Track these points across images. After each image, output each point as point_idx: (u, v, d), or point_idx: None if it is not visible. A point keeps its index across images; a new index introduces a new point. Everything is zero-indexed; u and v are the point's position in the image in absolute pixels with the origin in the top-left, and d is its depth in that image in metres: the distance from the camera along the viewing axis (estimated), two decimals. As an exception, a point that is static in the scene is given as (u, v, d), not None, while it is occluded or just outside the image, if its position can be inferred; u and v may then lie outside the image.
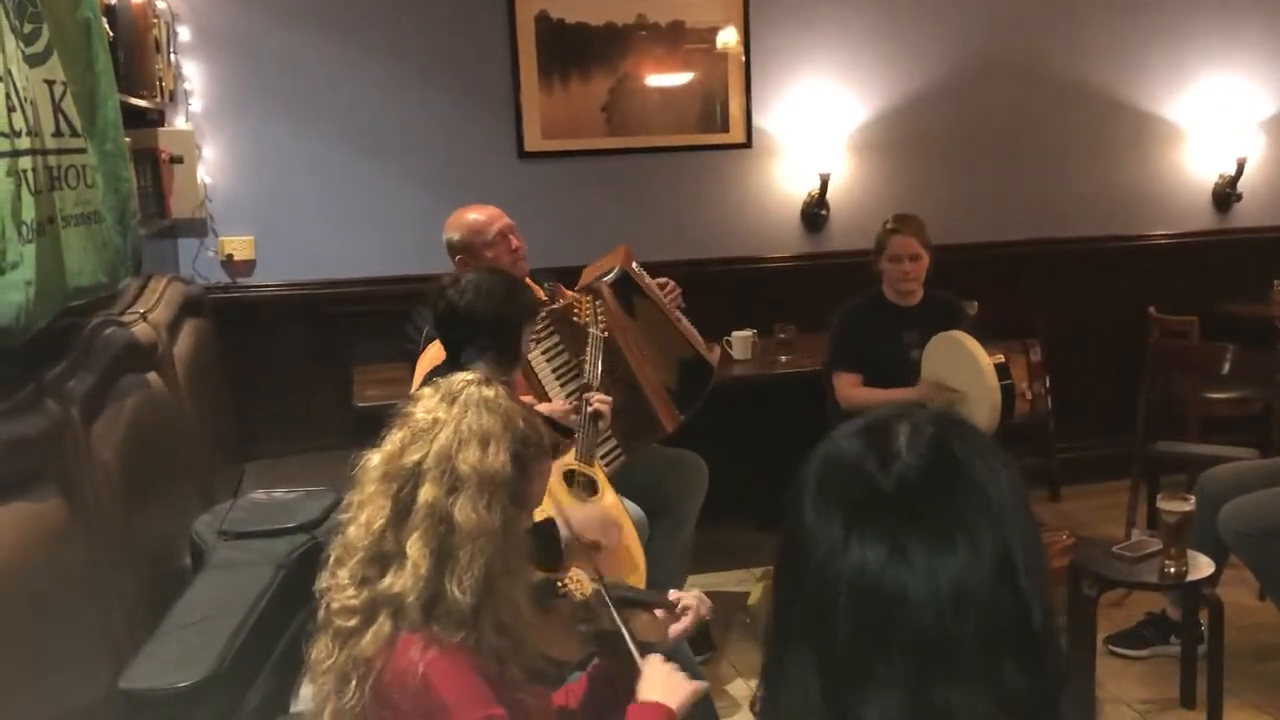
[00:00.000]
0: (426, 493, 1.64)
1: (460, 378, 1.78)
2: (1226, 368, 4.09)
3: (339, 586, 1.68)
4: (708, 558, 3.78)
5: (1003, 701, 0.83)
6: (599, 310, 3.21)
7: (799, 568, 0.89)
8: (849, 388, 3.77)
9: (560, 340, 3.24)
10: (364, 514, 1.68)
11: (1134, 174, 5.23)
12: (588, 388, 3.03)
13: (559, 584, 1.83)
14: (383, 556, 1.66)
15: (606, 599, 1.81)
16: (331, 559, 1.72)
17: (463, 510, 1.63)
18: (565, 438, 2.87)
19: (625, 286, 3.37)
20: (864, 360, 3.79)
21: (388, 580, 1.63)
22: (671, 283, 3.60)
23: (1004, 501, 0.87)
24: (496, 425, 1.68)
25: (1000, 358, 3.58)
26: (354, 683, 1.61)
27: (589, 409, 2.94)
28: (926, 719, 0.83)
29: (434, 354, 3.02)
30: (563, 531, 2.35)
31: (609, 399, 3.02)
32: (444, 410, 1.69)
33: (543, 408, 2.85)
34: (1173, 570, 2.90)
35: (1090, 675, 2.99)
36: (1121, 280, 5.13)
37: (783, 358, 4.34)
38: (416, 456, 1.66)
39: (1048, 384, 4.85)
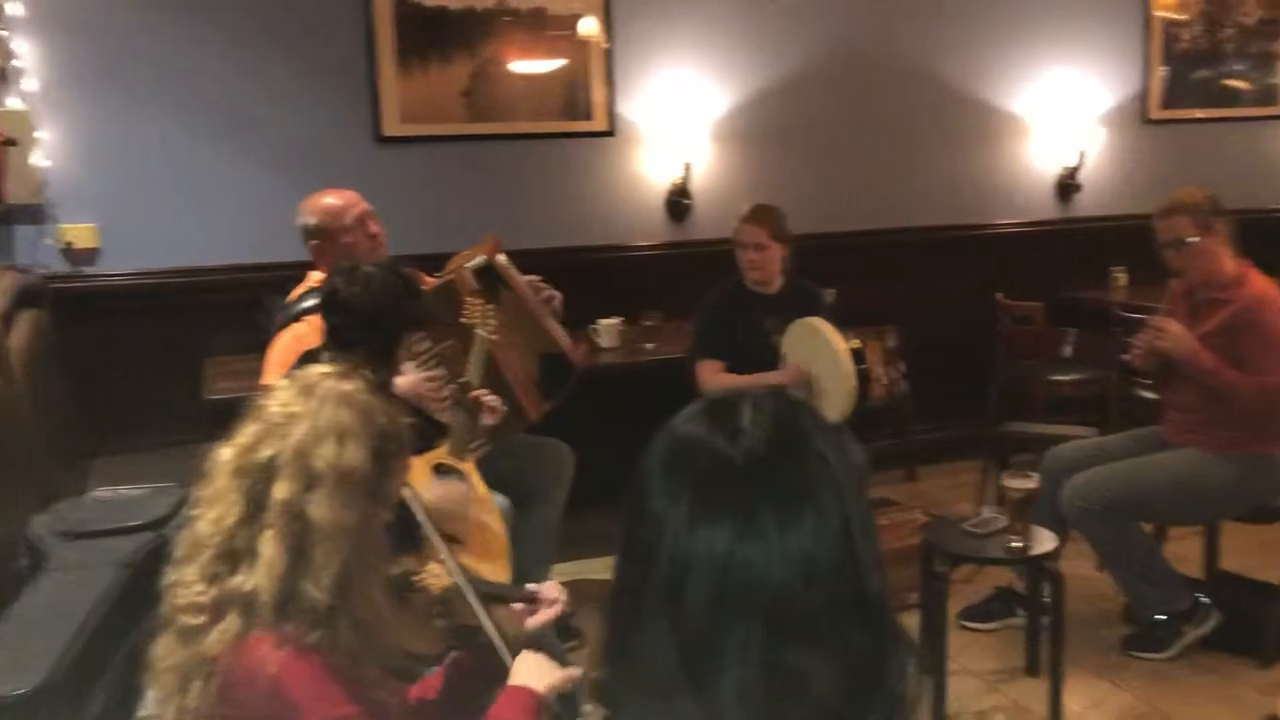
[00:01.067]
0: (281, 489, 1.59)
1: (318, 370, 1.73)
2: (1068, 351, 4.29)
3: (185, 583, 1.62)
4: (576, 544, 3.78)
5: (850, 664, 0.87)
6: (489, 313, 3.16)
7: (649, 549, 0.90)
8: (711, 375, 3.82)
9: (424, 332, 3.18)
10: (214, 510, 1.63)
11: (982, 165, 5.42)
12: (469, 387, 2.97)
13: (414, 577, 1.81)
14: (234, 553, 1.60)
15: (466, 591, 1.79)
16: (178, 555, 1.65)
17: (319, 508, 1.58)
18: (442, 435, 2.84)
19: (489, 276, 3.34)
20: (726, 348, 3.83)
21: (239, 578, 1.58)
22: (550, 290, 3.57)
23: (843, 472, 0.91)
24: (355, 420, 1.64)
25: (856, 343, 3.67)
26: (198, 683, 1.55)
27: (484, 415, 2.89)
28: (780, 684, 0.86)
29: (284, 341, 2.94)
30: (418, 516, 2.31)
31: (500, 403, 2.97)
32: (300, 404, 1.65)
33: (402, 382, 2.81)
34: (1018, 545, 3.03)
35: (942, 648, 3.09)
36: (972, 268, 5.32)
37: (649, 345, 4.37)
38: (270, 451, 1.61)
39: (903, 368, 5.03)
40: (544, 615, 1.94)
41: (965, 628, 3.56)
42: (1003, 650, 3.45)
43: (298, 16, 4.32)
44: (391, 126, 4.45)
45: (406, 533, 1.92)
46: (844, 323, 3.78)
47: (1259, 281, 3.37)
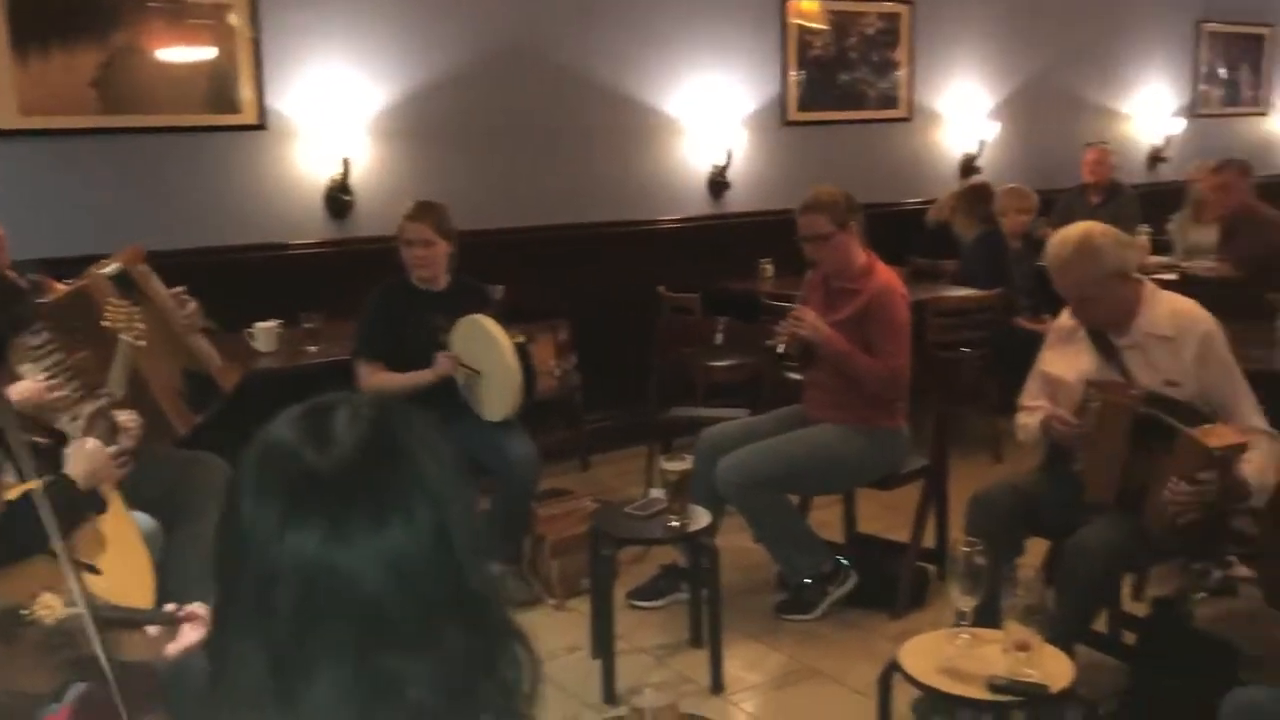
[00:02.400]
0: None
1: None
2: (720, 339, 4.55)
3: None
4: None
5: (449, 664, 0.89)
6: (135, 316, 2.92)
7: (240, 553, 0.89)
8: (371, 375, 3.75)
9: (52, 339, 2.91)
10: None
11: (642, 163, 5.65)
12: (111, 400, 2.73)
13: (24, 611, 1.66)
14: None
15: (87, 620, 1.66)
16: None
17: None
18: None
19: (124, 284, 3.11)
20: (391, 347, 3.78)
21: None
22: (195, 303, 3.36)
23: (442, 478, 0.92)
24: None
25: (521, 338, 3.73)
26: None
27: (120, 437, 2.66)
28: (374, 688, 0.86)
29: None
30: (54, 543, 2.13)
31: (138, 417, 2.75)
32: None
33: (18, 389, 2.57)
34: (676, 523, 3.19)
35: (610, 629, 3.20)
36: (636, 262, 5.53)
37: (311, 347, 4.22)
38: None
39: (575, 361, 5.15)
40: (187, 638, 1.83)
41: (635, 607, 3.70)
42: (669, 625, 3.62)
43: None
44: (8, 119, 4.05)
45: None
46: (515, 318, 3.82)
47: (885, 273, 3.71)
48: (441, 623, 0.89)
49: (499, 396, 3.69)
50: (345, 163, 4.70)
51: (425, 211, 3.81)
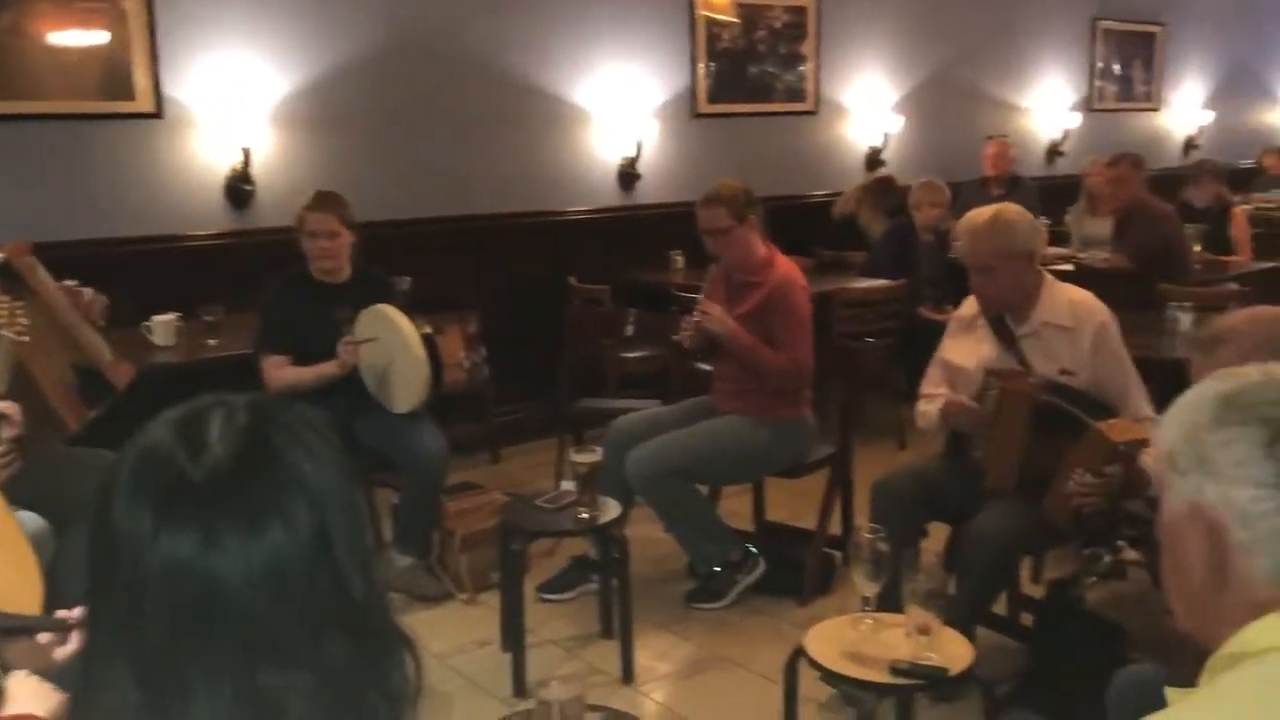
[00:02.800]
0: None
1: None
2: (631, 330, 4.56)
3: None
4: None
5: (325, 675, 0.86)
6: (17, 311, 2.81)
7: (109, 564, 0.85)
8: (275, 369, 3.68)
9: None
10: None
11: (551, 154, 5.62)
12: None
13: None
14: None
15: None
16: None
17: None
18: None
19: (7, 276, 3.01)
20: (295, 340, 3.71)
21: None
22: (89, 291, 3.25)
23: (324, 482, 0.89)
24: None
25: (428, 329, 3.69)
26: None
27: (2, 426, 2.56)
28: (255, 704, 0.83)
29: None
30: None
31: (17, 407, 2.65)
32: None
33: None
34: (585, 515, 3.19)
35: (520, 623, 3.19)
36: (546, 253, 5.51)
37: (211, 341, 4.12)
38: None
39: (484, 352, 5.11)
40: (77, 643, 1.77)
41: (544, 600, 3.69)
42: (580, 617, 3.61)
43: None
44: (-120, 103, 3.87)
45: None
46: (422, 310, 3.78)
47: (785, 265, 3.75)
48: (324, 634, 0.86)
49: (406, 388, 3.65)
50: (246, 152, 4.59)
51: (329, 202, 3.75)
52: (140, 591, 0.83)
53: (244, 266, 4.44)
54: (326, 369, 3.62)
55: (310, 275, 3.78)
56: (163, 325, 4.04)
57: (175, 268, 4.45)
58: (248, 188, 4.66)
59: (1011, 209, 3.09)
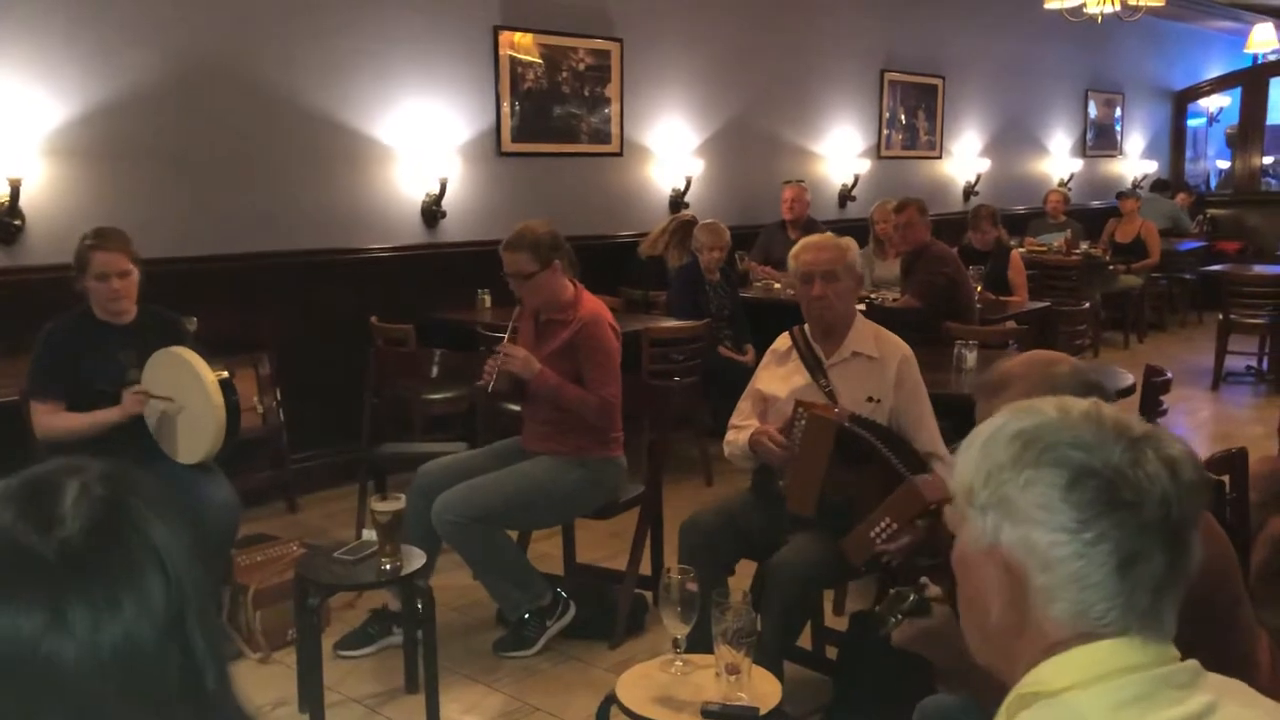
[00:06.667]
0: None
1: None
2: (436, 371, 4.45)
3: None
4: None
5: None
6: None
7: None
8: (46, 416, 3.40)
9: None
10: None
11: (352, 190, 5.46)
12: None
13: None
14: None
15: None
16: None
17: None
18: None
19: None
20: (75, 385, 3.44)
21: None
22: None
23: (178, 557, 0.84)
24: None
25: (225, 373, 3.48)
26: None
27: None
28: None
29: None
30: None
31: None
32: None
33: None
34: (388, 566, 3.06)
35: (318, 682, 3.02)
36: (345, 292, 5.33)
37: (-29, 388, 3.78)
38: None
39: (279, 396, 4.89)
40: None
41: (343, 656, 3.52)
42: (383, 672, 3.46)
43: None
44: None
45: None
46: (211, 351, 3.56)
47: (591, 303, 3.74)
48: (166, 714, 0.81)
49: (197, 436, 3.43)
50: (14, 184, 4.26)
51: (116, 239, 3.49)
52: None
53: (12, 307, 4.12)
54: (107, 416, 3.36)
55: (90, 316, 3.51)
56: (-86, 371, 3.68)
57: (-69, 308, 4.08)
58: (16, 223, 4.32)
59: (854, 244, 3.31)
